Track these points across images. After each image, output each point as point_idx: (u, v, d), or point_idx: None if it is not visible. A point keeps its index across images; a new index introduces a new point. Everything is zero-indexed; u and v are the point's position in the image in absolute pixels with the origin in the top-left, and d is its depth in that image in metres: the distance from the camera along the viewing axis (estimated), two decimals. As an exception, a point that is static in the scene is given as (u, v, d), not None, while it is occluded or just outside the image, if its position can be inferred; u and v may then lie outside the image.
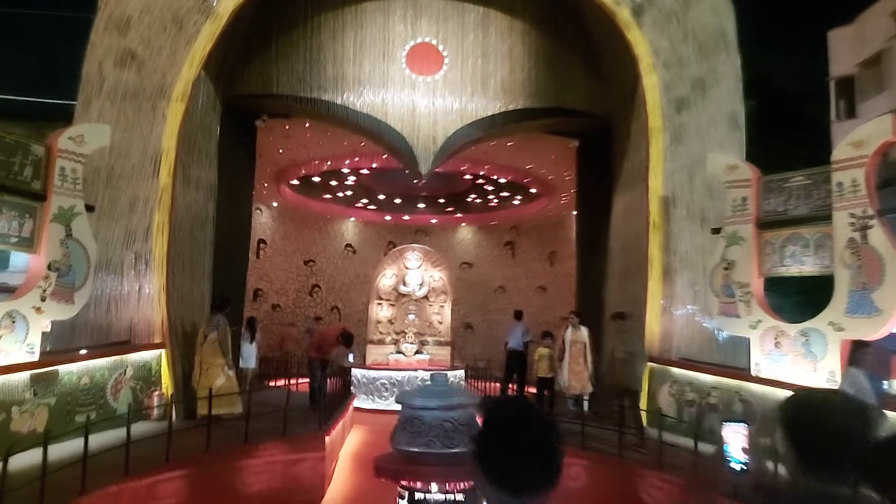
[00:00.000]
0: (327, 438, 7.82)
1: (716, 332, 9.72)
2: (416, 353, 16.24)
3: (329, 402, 8.88)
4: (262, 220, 18.66)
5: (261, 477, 7.07)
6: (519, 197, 17.55)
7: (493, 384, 13.61)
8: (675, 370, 8.77)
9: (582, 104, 11.09)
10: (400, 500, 4.66)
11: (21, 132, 9.23)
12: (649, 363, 9.06)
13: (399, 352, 16.27)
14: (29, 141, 7.56)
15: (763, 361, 7.92)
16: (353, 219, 20.57)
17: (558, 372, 10.18)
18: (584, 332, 10.03)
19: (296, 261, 19.84)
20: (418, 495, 4.51)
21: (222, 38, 9.26)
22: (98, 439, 6.36)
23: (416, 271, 17.21)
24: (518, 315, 12.93)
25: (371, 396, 14.49)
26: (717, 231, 8.82)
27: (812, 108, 24.12)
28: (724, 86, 10.53)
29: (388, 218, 19.94)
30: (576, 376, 9.94)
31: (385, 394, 14.79)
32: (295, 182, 16.64)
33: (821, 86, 24.17)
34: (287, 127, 12.18)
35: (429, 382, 5.04)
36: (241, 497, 6.84)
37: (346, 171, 15.46)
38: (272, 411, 9.15)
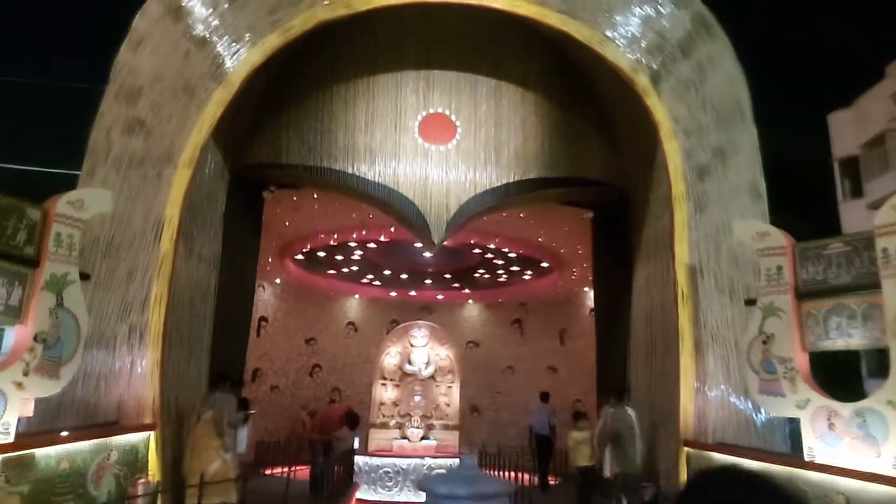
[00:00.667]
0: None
1: (752, 413, 8.99)
2: (423, 438, 15.26)
3: (333, 491, 8.02)
4: (265, 298, 18.11)
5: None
6: (529, 272, 17.11)
7: (506, 473, 12.57)
8: (716, 455, 7.96)
9: (597, 173, 10.87)
10: None
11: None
12: (685, 447, 8.26)
13: (404, 437, 15.28)
14: (24, 204, 7.17)
15: (817, 445, 7.16)
16: (356, 296, 20.04)
17: (602, 459, 9.09)
18: (629, 412, 9.05)
19: (297, 339, 19.12)
20: None
21: (233, 105, 9.12)
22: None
23: (422, 349, 16.50)
24: (544, 397, 12.23)
25: (373, 486, 13.40)
26: (751, 302, 8.30)
27: (818, 186, 24.25)
28: (744, 155, 10.35)
29: (393, 294, 19.41)
30: None
31: (389, 483, 13.70)
32: (299, 257, 16.25)
33: (824, 164, 24.42)
34: (295, 198, 11.92)
35: (451, 467, 4.36)
36: None
37: (353, 244, 15.10)
38: (268, 501, 8.29)
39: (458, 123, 10.87)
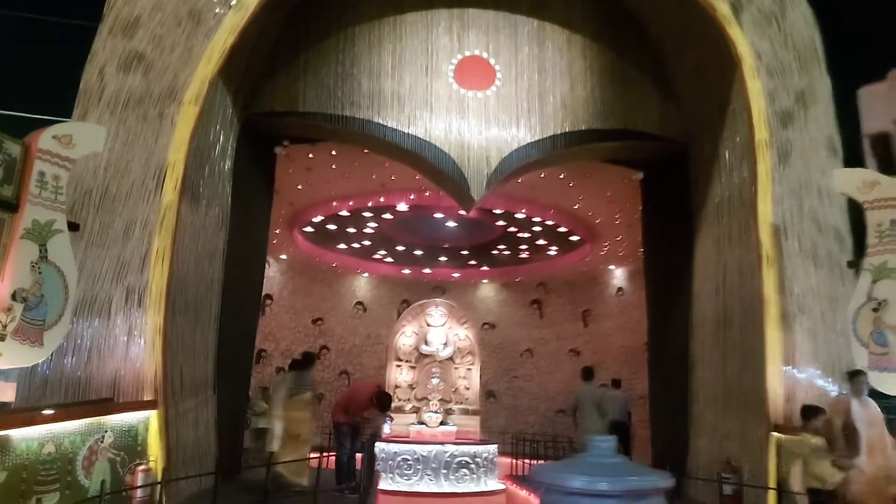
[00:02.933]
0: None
1: (842, 392, 7.87)
2: (441, 423, 14.13)
3: (366, 481, 6.85)
4: (270, 274, 16.86)
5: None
6: (555, 247, 15.91)
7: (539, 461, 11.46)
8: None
9: (653, 127, 9.66)
10: None
11: None
12: (775, 433, 7.12)
13: (421, 422, 14.15)
14: (1, 136, 5.91)
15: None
16: (366, 274, 18.84)
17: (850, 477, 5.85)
18: (872, 405, 6.59)
19: (304, 319, 17.94)
20: None
21: (245, 35, 7.84)
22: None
23: (440, 329, 15.35)
24: (616, 384, 11.16)
25: (391, 475, 12.28)
26: (853, 265, 7.17)
27: (845, 163, 23.22)
28: (822, 105, 9.19)
29: (406, 272, 18.19)
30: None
31: (408, 472, 12.56)
32: (309, 229, 15.00)
33: (852, 141, 23.33)
34: (311, 155, 10.66)
35: (582, 453, 3.18)
36: None
37: (368, 214, 13.87)
38: (291, 495, 7.11)
39: (497, 67, 9.62)
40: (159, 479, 6.12)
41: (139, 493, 6.11)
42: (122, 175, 7.45)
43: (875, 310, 6.71)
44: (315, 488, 5.73)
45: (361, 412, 7.77)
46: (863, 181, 7.08)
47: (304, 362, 8.35)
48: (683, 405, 8.69)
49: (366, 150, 10.09)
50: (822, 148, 8.98)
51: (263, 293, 15.76)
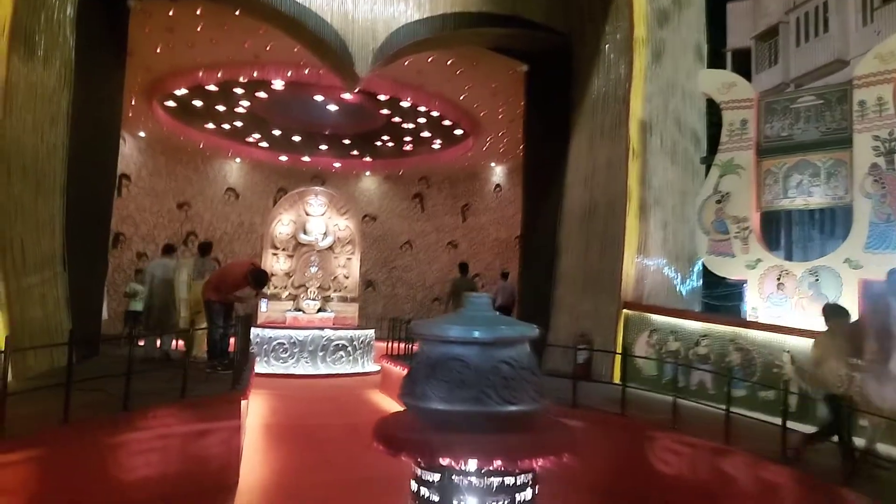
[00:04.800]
0: (243, 403, 5.77)
1: (679, 282, 8.85)
2: (320, 310, 14.20)
3: (240, 358, 6.75)
4: (126, 152, 15.33)
5: (149, 457, 4.90)
6: (439, 140, 15.83)
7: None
8: (657, 318, 7.67)
9: (541, 16, 9.55)
10: (420, 488, 2.91)
11: None
12: (624, 310, 7.89)
13: (298, 308, 14.12)
14: None
15: (761, 305, 7.02)
16: (238, 158, 17.73)
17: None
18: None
19: (167, 203, 16.73)
20: (458, 479, 2.79)
21: None
22: None
23: (320, 219, 15.01)
24: (505, 276, 11.86)
25: (266, 358, 12.31)
26: (705, 160, 7.81)
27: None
28: (695, 10, 9.61)
29: (283, 158, 17.34)
30: None
31: (284, 355, 12.66)
32: (171, 103, 13.64)
33: (717, 55, 24.81)
34: (171, 13, 9.46)
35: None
36: (121, 486, 4.65)
37: (239, 90, 12.82)
38: (156, 370, 6.87)
39: (387, -64, 8.90)
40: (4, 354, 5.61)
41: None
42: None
43: (718, 202, 7.45)
44: (184, 362, 5.55)
45: (233, 290, 7.51)
46: (722, 82, 7.60)
47: (205, 249, 8.90)
48: (548, 289, 9.31)
49: (237, 12, 9.11)
50: (690, 52, 9.46)
51: (120, 172, 14.42)
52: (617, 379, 7.54)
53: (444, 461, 2.74)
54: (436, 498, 2.84)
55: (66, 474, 4.29)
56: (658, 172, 8.52)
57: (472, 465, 2.80)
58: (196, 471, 5.10)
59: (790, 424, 4.73)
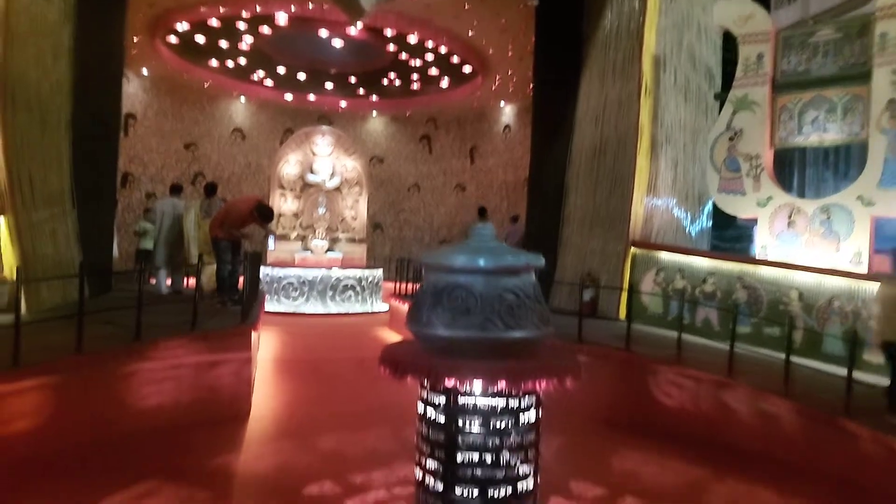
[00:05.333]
0: (254, 336, 5.89)
1: (688, 221, 8.80)
2: (328, 250, 14.29)
3: (249, 295, 6.84)
4: (131, 91, 15.17)
5: (161, 386, 5.04)
6: (447, 79, 15.47)
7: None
8: (664, 256, 7.66)
9: (554, -55, 9.17)
10: (427, 409, 2.99)
11: None
12: (632, 248, 7.88)
13: (307, 249, 14.21)
14: None
15: (771, 243, 6.98)
16: (243, 98, 17.48)
17: None
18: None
19: (174, 144, 16.64)
20: (465, 400, 2.86)
21: None
22: None
23: (327, 159, 14.88)
24: (515, 219, 12.13)
25: (276, 297, 12.49)
26: (719, 97, 7.62)
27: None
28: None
29: (288, 97, 17.08)
30: None
31: (294, 294, 12.85)
32: (174, 40, 13.35)
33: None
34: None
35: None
36: (134, 413, 4.81)
37: (242, 26, 12.50)
38: (167, 304, 7.00)
39: None
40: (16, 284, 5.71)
41: (-7, 300, 5.71)
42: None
43: (731, 139, 7.31)
44: (194, 296, 5.64)
45: (239, 226, 7.54)
46: (739, 14, 7.31)
47: (211, 190, 9.07)
48: (555, 229, 9.28)
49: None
50: (705, -16, 9.08)
51: (125, 111, 14.30)
52: (622, 316, 7.62)
53: (449, 383, 2.79)
54: (441, 419, 2.91)
55: (80, 402, 4.44)
56: (670, 109, 8.33)
57: (477, 387, 2.86)
58: (209, 400, 5.26)
59: (794, 360, 4.79)
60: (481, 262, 2.93)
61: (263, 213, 7.43)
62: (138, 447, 4.42)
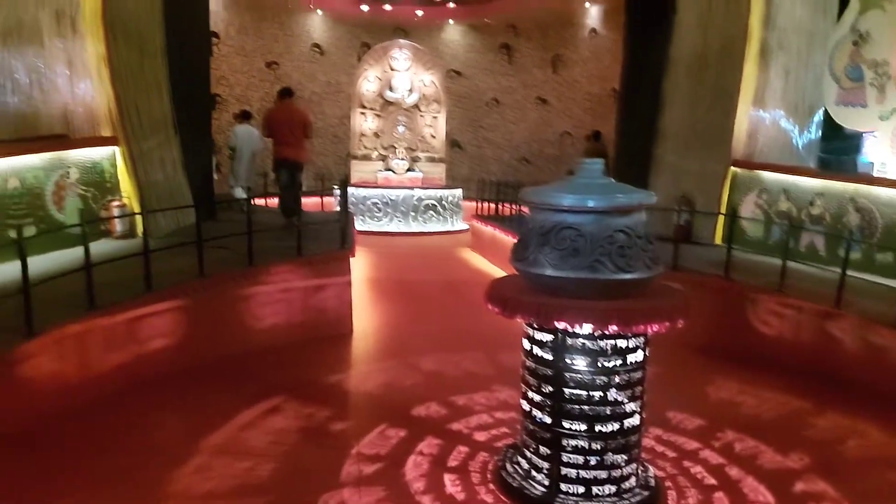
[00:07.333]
0: (352, 260, 6.14)
1: (797, 135, 8.12)
2: (408, 170, 14.39)
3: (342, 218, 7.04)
4: (213, 9, 15.16)
5: (276, 308, 5.42)
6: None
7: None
8: (767, 176, 7.20)
9: None
10: (532, 346, 3.07)
11: None
12: (732, 168, 7.45)
13: (388, 169, 14.36)
14: None
15: (892, 161, 6.40)
16: (319, 11, 17.23)
17: None
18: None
19: (256, 62, 16.80)
20: (573, 340, 2.91)
21: None
22: (41, 262, 4.49)
23: (405, 74, 14.70)
24: (597, 135, 12.07)
25: (362, 217, 12.84)
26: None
27: None
28: None
29: (364, 8, 16.70)
30: None
31: (378, 214, 13.18)
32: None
33: None
34: None
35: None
36: (252, 332, 5.23)
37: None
38: (261, 230, 7.35)
39: None
40: (137, 212, 6.18)
41: (118, 226, 6.21)
42: None
43: (855, 43, 6.58)
44: (294, 221, 5.92)
45: (291, 141, 7.85)
46: None
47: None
48: (648, 147, 8.86)
49: None
50: None
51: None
52: (719, 241, 7.34)
53: (560, 325, 2.83)
54: (549, 356, 2.98)
55: (205, 322, 4.85)
56: (784, 9, 7.49)
57: (587, 328, 2.88)
58: (316, 320, 5.63)
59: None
60: (590, 203, 2.86)
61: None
62: (258, 364, 4.84)
